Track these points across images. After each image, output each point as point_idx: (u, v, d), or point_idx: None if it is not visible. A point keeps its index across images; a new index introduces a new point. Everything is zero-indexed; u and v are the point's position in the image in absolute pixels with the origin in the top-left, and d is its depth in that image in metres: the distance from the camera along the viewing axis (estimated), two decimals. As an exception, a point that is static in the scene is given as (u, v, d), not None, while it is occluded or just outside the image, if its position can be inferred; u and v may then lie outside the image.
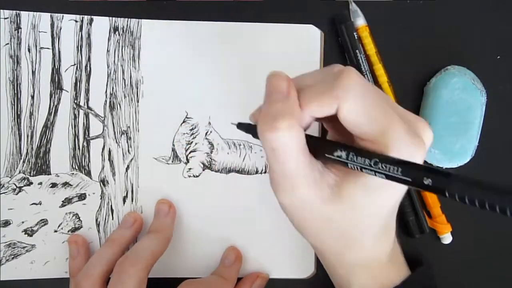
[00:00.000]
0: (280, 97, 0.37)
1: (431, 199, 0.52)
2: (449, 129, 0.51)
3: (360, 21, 0.51)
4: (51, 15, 0.50)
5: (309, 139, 0.37)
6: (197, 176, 0.52)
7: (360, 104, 0.35)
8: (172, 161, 0.52)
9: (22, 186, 0.51)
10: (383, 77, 0.51)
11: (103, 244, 0.50)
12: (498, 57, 0.53)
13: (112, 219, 0.52)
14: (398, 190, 0.38)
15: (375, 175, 0.34)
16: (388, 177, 0.33)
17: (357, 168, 0.35)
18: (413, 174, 0.32)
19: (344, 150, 0.36)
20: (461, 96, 0.51)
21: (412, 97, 0.53)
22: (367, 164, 0.34)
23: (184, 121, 0.52)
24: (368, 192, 0.37)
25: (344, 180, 0.38)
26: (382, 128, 0.35)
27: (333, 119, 0.37)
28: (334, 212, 0.38)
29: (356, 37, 0.51)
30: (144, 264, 0.46)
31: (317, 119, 0.39)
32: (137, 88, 0.51)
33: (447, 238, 0.53)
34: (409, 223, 0.53)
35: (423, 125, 0.39)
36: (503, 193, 0.28)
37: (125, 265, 0.45)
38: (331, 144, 0.38)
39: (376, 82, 0.51)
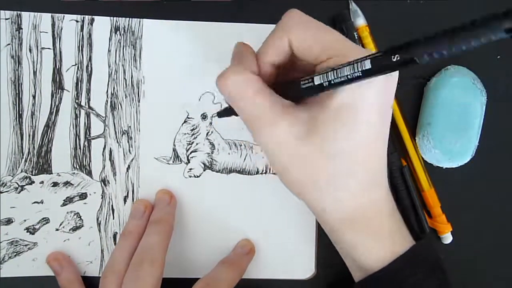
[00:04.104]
0: (236, 57, 0.42)
1: (431, 199, 0.52)
2: (449, 129, 0.51)
3: (360, 21, 0.51)
4: (52, 15, 0.50)
5: (281, 83, 0.42)
6: (198, 176, 0.53)
7: (305, 29, 0.39)
8: (173, 161, 0.52)
9: (24, 185, 0.51)
10: (383, 77, 0.51)
11: (120, 237, 0.50)
12: (498, 57, 0.53)
13: (113, 218, 0.52)
14: (364, 113, 0.38)
15: (348, 81, 0.35)
16: (363, 74, 0.34)
17: (330, 83, 0.36)
18: (381, 59, 0.33)
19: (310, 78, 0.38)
20: (461, 96, 0.51)
21: (412, 97, 0.53)
22: (337, 74, 0.36)
23: (185, 121, 0.52)
24: (335, 116, 0.38)
25: (315, 112, 0.39)
26: (331, 44, 0.39)
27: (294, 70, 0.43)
28: (311, 151, 0.39)
29: (356, 37, 0.51)
30: (160, 262, 0.47)
31: (279, 70, 0.42)
32: (138, 88, 0.52)
33: (447, 238, 0.53)
34: (409, 223, 0.52)
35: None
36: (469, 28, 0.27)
37: (144, 265, 0.46)
38: (300, 79, 0.39)
39: (375, 82, 0.51)
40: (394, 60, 0.32)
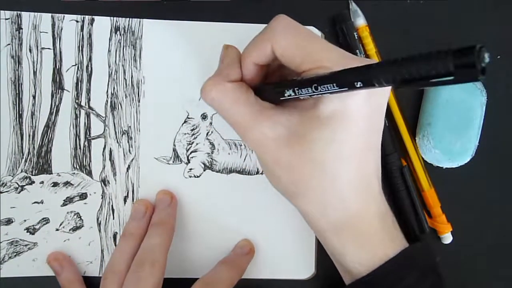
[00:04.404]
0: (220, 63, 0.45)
1: (431, 199, 0.52)
2: (449, 129, 0.51)
3: (360, 21, 0.51)
4: (52, 16, 0.50)
5: (261, 87, 0.43)
6: (198, 176, 0.53)
7: (289, 37, 0.40)
8: (173, 161, 0.52)
9: (24, 185, 0.51)
10: (383, 77, 0.51)
11: (121, 238, 0.50)
12: (498, 57, 0.53)
13: (113, 218, 0.52)
14: (350, 121, 0.38)
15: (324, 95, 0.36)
16: (333, 93, 0.35)
17: (307, 96, 0.37)
18: (345, 85, 0.33)
19: (290, 87, 0.38)
20: (461, 96, 0.51)
21: (412, 97, 0.53)
22: (311, 92, 0.36)
23: (185, 121, 0.52)
24: (321, 125, 0.38)
25: (297, 118, 0.40)
26: (313, 54, 0.39)
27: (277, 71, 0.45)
28: (295, 157, 0.40)
29: (356, 37, 0.51)
30: (161, 263, 0.47)
31: (264, 68, 0.44)
32: (138, 88, 0.52)
33: (447, 238, 0.53)
34: (409, 223, 0.52)
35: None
36: (424, 58, 0.27)
37: (145, 266, 0.46)
38: (279, 86, 0.40)
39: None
40: (357, 86, 0.32)
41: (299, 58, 0.39)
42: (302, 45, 0.39)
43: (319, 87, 0.35)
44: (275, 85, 0.41)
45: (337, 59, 0.38)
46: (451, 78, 0.26)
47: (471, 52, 0.24)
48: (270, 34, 0.40)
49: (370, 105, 0.39)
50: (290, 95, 0.38)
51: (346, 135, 0.39)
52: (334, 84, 0.34)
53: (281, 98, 0.40)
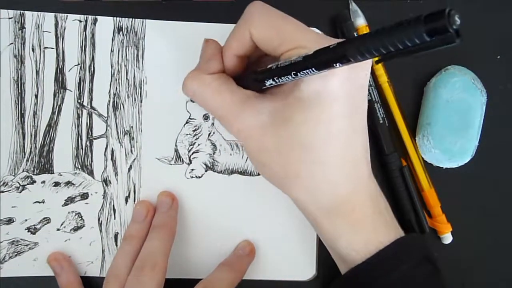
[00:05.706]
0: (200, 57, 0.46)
1: (431, 199, 0.52)
2: (449, 129, 0.51)
3: (360, 21, 0.51)
4: (55, 15, 0.51)
5: (242, 76, 0.44)
6: (199, 177, 0.53)
7: (265, 19, 0.40)
8: (175, 162, 0.52)
9: (25, 185, 0.51)
10: (383, 77, 0.51)
11: (122, 241, 0.50)
12: (498, 57, 0.53)
13: (114, 218, 0.52)
14: (332, 101, 0.38)
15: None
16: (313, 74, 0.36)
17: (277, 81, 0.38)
18: (322, 66, 0.34)
19: (269, 77, 0.39)
20: (461, 96, 0.51)
21: (412, 97, 0.53)
22: (291, 78, 0.37)
23: (187, 122, 0.52)
24: (304, 106, 0.39)
25: (281, 103, 0.40)
26: (289, 35, 0.39)
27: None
28: (280, 142, 0.40)
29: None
30: (162, 266, 0.47)
31: (244, 60, 0.44)
32: (141, 88, 0.52)
33: (447, 238, 0.53)
34: (409, 223, 0.53)
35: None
36: (395, 28, 0.28)
37: (145, 270, 0.46)
38: (259, 74, 0.41)
39: (376, 82, 0.52)
40: (335, 66, 0.33)
41: (277, 41, 0.40)
42: (279, 27, 0.40)
43: (298, 73, 0.36)
44: (255, 75, 0.42)
45: (314, 39, 0.39)
46: (428, 43, 0.26)
47: (441, 16, 0.25)
48: (248, 20, 0.41)
49: (351, 85, 0.39)
50: (271, 84, 0.39)
51: (329, 115, 0.39)
52: (313, 69, 0.34)
53: (263, 88, 0.40)
